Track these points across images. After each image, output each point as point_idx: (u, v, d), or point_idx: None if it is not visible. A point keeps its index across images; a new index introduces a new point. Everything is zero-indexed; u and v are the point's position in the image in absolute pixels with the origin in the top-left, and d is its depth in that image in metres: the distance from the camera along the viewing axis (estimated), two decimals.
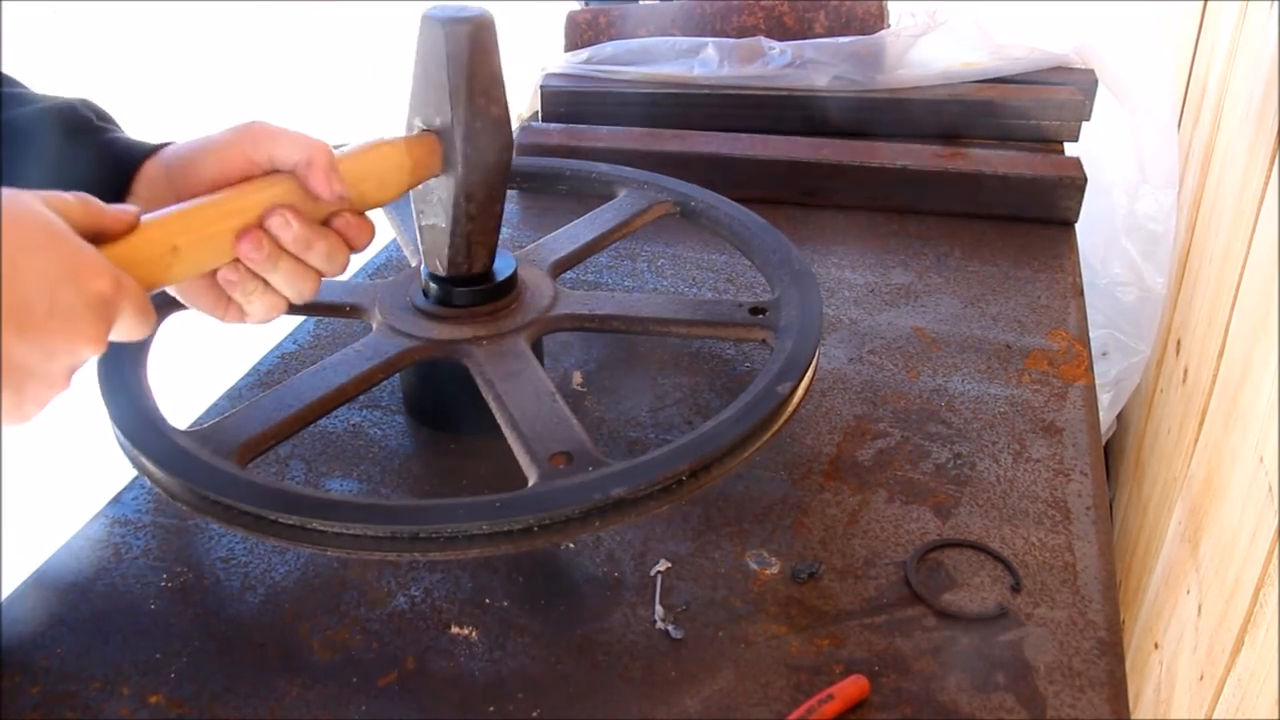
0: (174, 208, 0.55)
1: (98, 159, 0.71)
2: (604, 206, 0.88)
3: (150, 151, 0.71)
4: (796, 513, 0.69)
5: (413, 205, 0.71)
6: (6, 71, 0.68)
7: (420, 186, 0.68)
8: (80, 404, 0.66)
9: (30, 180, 0.69)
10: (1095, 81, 1.29)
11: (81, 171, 0.71)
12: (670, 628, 0.60)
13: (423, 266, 0.74)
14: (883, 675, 0.57)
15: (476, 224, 0.69)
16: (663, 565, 0.64)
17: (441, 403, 0.78)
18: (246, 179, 0.70)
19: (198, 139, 0.71)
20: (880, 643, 0.59)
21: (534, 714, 0.55)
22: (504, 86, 0.67)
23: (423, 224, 0.71)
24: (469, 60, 0.64)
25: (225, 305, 0.61)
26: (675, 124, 1.23)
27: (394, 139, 0.65)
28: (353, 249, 0.63)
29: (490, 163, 0.67)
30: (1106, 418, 1.37)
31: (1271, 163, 0.83)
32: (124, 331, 0.50)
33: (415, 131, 0.68)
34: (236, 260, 0.57)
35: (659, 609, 0.61)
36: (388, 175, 0.64)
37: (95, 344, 0.48)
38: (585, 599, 0.63)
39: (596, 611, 0.62)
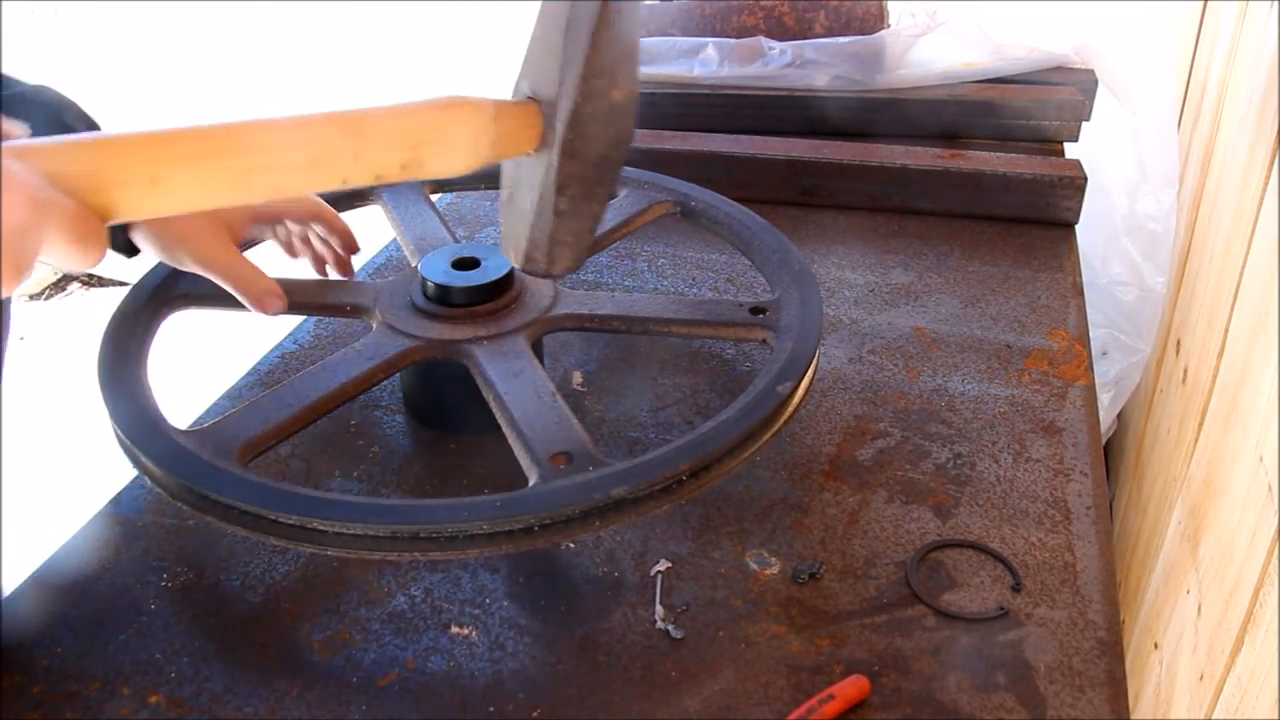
0: (166, 128, 0.46)
1: None
2: None
3: None
4: (796, 513, 0.69)
5: (501, 178, 0.61)
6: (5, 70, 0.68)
7: (511, 160, 0.58)
8: (80, 404, 0.66)
9: None
10: (1095, 81, 1.29)
11: None
12: (670, 628, 0.60)
13: (421, 266, 0.75)
14: (883, 675, 0.57)
15: (565, 221, 0.57)
16: (663, 565, 0.64)
17: (441, 402, 0.78)
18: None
19: None
20: (880, 643, 0.59)
21: (534, 714, 0.55)
22: (636, 66, 0.55)
23: (505, 203, 0.61)
24: (594, 29, 0.52)
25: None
26: (675, 124, 1.23)
27: (481, 100, 0.54)
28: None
29: (595, 154, 0.55)
30: (1106, 417, 1.37)
31: (1271, 162, 0.83)
32: (57, 261, 0.42)
33: (516, 101, 0.56)
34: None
35: (659, 609, 0.61)
36: (458, 142, 0.53)
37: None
38: (585, 599, 0.63)
39: (596, 611, 0.62)
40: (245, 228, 0.73)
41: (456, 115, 0.53)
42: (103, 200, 0.44)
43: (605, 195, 0.59)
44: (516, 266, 0.60)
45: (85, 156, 0.43)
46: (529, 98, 0.56)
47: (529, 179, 0.57)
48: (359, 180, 0.51)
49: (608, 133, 0.55)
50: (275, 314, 0.70)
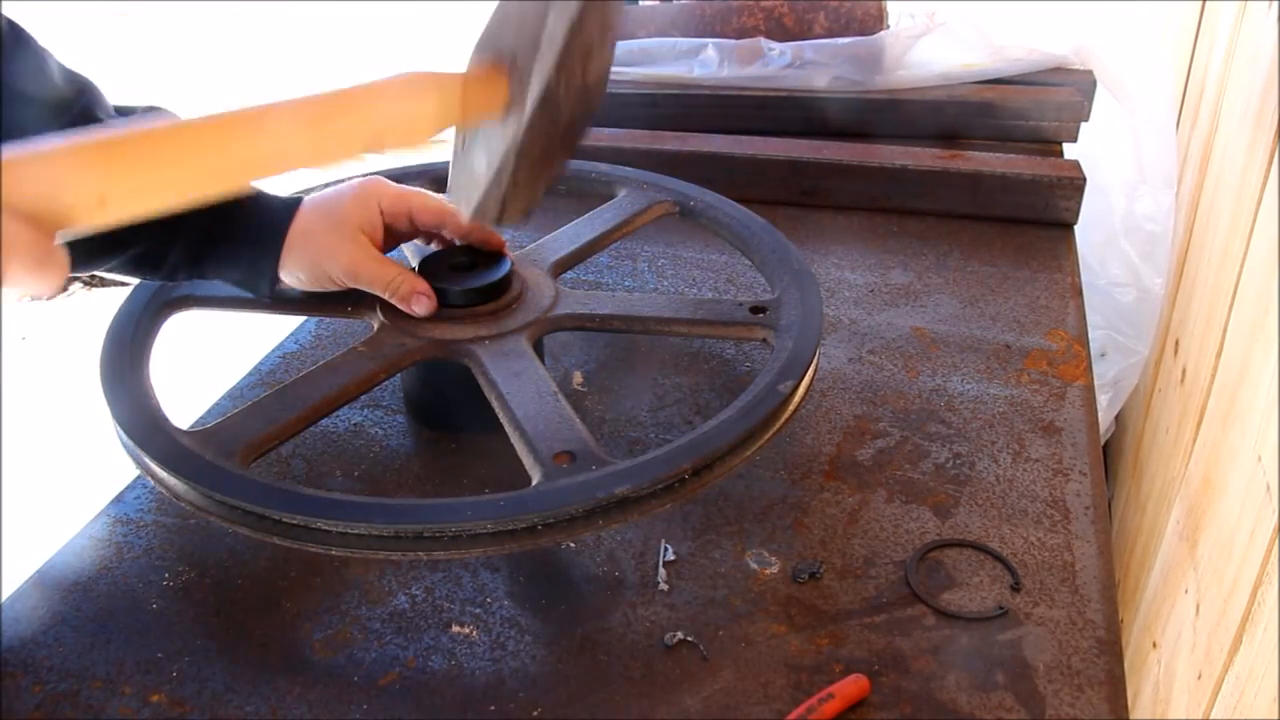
0: (102, 134, 0.44)
1: (252, 211, 0.71)
2: (604, 206, 0.89)
3: (296, 204, 0.72)
4: (796, 512, 0.69)
5: (455, 130, 0.61)
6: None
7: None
8: (82, 404, 0.66)
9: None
10: (1094, 82, 1.29)
11: (235, 221, 0.70)
12: (680, 633, 0.60)
13: (422, 267, 0.75)
14: (882, 674, 0.57)
15: (521, 186, 0.57)
16: (671, 555, 0.65)
17: (443, 402, 0.78)
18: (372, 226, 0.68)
19: (324, 195, 0.73)
20: (880, 642, 0.59)
21: (534, 714, 0.56)
22: (613, 45, 0.56)
23: (460, 157, 0.60)
24: (580, 17, 0.51)
25: None
26: (675, 124, 1.23)
27: (445, 76, 0.53)
28: None
29: (563, 125, 0.55)
30: (1105, 419, 1.37)
31: (1270, 162, 0.83)
32: (15, 287, 0.41)
33: (481, 65, 0.55)
34: None
35: (662, 571, 0.63)
36: (423, 121, 0.53)
37: None
38: (586, 599, 0.63)
39: (597, 611, 0.62)
40: (379, 233, 0.73)
41: (422, 93, 0.52)
42: (53, 220, 0.42)
43: (565, 161, 0.59)
44: (465, 219, 0.61)
45: (34, 176, 0.42)
46: (494, 62, 0.55)
47: (489, 140, 0.57)
48: (322, 165, 0.50)
49: (578, 108, 0.55)
50: (425, 314, 0.71)
